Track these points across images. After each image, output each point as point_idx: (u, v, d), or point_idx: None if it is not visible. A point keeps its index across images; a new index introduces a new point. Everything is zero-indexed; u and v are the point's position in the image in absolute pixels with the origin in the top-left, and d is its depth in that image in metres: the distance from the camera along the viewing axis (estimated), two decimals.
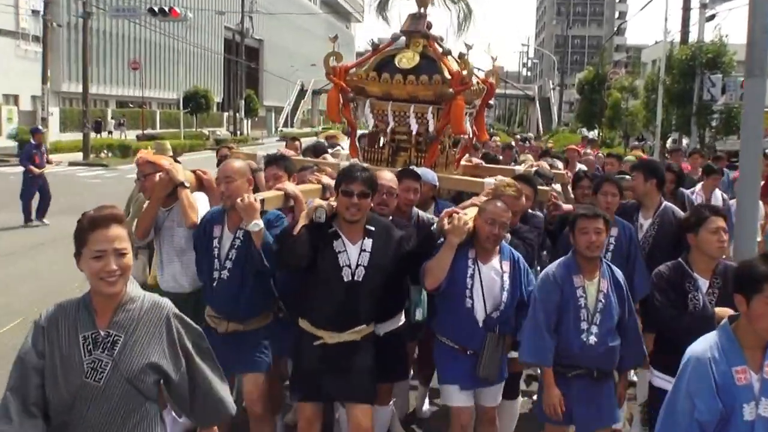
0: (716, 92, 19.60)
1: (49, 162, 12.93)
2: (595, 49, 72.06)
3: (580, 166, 7.48)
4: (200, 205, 3.93)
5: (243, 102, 47.32)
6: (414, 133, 5.12)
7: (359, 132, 5.72)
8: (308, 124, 72.89)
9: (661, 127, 21.16)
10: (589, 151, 10.18)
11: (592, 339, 3.39)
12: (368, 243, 3.38)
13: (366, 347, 3.43)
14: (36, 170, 12.20)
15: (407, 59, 5.16)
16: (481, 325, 3.50)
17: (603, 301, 3.41)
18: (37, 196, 12.38)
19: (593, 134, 32.15)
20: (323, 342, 3.36)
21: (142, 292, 2.22)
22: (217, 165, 5.27)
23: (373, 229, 3.43)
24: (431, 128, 5.04)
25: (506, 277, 3.55)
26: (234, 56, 50.39)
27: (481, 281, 3.50)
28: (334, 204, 3.42)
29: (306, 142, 9.55)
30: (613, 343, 3.44)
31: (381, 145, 5.29)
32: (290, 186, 3.88)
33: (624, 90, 31.03)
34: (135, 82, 46.82)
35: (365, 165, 3.96)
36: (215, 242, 3.56)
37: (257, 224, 3.38)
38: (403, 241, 3.51)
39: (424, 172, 4.44)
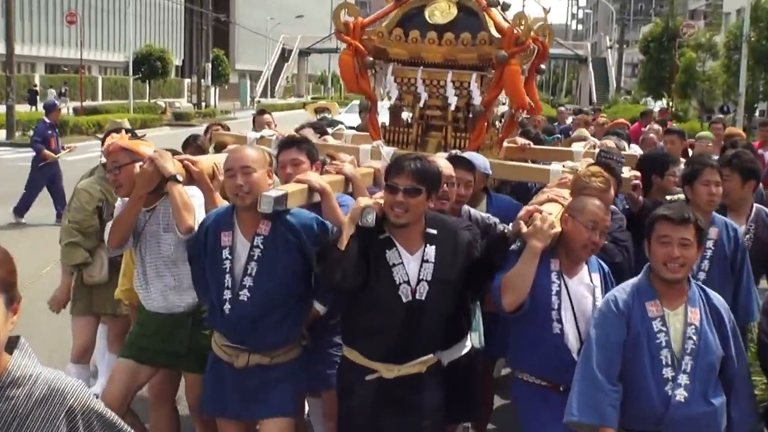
0: None
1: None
2: None
3: (635, 148, 7.38)
4: (196, 202, 3.88)
5: (209, 65, 47.40)
6: (451, 107, 5.15)
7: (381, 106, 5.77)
8: (294, 93, 73.10)
9: (746, 96, 21.06)
10: (656, 127, 10.14)
11: (680, 394, 3.10)
12: (431, 251, 3.38)
13: (432, 381, 3.46)
14: (52, 155, 12.14)
15: (441, 12, 5.20)
16: (575, 355, 3.44)
17: (695, 338, 3.15)
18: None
19: (660, 105, 32.03)
20: (379, 376, 3.38)
21: (35, 371, 1.84)
22: (216, 150, 5.25)
23: (435, 233, 3.41)
24: (476, 101, 5.07)
25: (598, 293, 3.53)
26: (198, 6, 50.42)
27: (570, 299, 3.48)
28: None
29: (294, 118, 9.50)
30: (715, 399, 3.16)
31: (407, 122, 5.32)
32: (315, 177, 3.82)
33: (700, 48, 30.89)
34: (70, 40, 47.03)
35: (419, 154, 3.96)
36: (225, 253, 3.52)
37: (267, 197, 3.31)
38: (472, 246, 3.53)
39: (473, 157, 4.48)
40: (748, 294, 4.18)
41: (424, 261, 3.35)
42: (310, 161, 4.03)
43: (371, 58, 5.24)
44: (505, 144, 5.80)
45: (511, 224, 3.60)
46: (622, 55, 56.19)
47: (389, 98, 5.38)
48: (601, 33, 79.30)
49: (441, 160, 3.97)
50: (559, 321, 3.46)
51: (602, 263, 3.67)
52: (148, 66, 41.96)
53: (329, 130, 6.31)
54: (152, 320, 3.99)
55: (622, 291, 3.30)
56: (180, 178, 3.82)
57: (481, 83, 5.12)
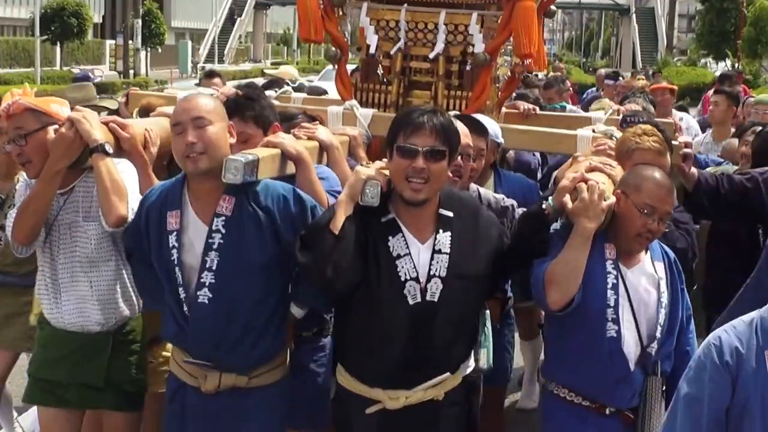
0: None
1: None
2: None
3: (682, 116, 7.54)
4: (129, 182, 3.78)
5: (139, 22, 47.21)
6: (432, 54, 5.18)
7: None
8: (248, 57, 72.99)
9: None
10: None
11: None
12: (444, 239, 3.35)
13: (454, 412, 3.44)
14: None
15: None
16: (633, 366, 3.49)
17: None
18: None
19: (724, 67, 31.99)
20: (382, 408, 3.35)
21: None
22: (142, 116, 5.21)
23: (451, 215, 3.39)
24: (478, 48, 5.08)
25: (663, 286, 3.56)
26: None
27: (628, 295, 3.50)
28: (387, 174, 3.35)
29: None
30: None
31: (382, 79, 5.35)
32: (290, 140, 3.77)
33: None
34: None
35: (432, 106, 3.91)
36: (172, 240, 3.44)
37: (235, 162, 3.27)
38: (501, 231, 3.53)
39: (482, 120, 4.49)
40: None
41: (435, 251, 3.33)
42: (262, 131, 3.97)
43: None
44: (503, 110, 5.83)
45: (550, 199, 3.52)
46: (674, 5, 56.27)
47: (366, 48, 5.36)
48: None
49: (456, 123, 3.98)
50: (616, 322, 3.48)
51: (667, 249, 3.69)
52: (60, 24, 41.62)
53: (271, 93, 6.30)
54: (59, 341, 3.90)
55: (731, 331, 2.75)
56: (109, 149, 3.69)
57: (482, 26, 5.16)
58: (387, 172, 3.34)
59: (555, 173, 5.08)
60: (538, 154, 6.32)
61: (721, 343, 2.70)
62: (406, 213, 3.33)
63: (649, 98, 8.12)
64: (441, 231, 3.35)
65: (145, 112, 5.11)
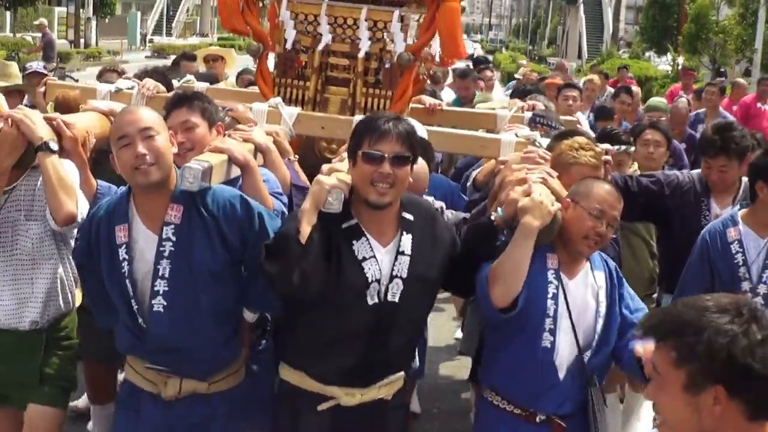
0: None
1: None
2: None
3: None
4: (75, 181, 3.68)
5: None
6: (361, 53, 5.01)
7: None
8: (195, 31, 71.58)
9: (762, 53, 21.23)
10: (684, 99, 10.31)
11: None
12: (406, 241, 3.35)
13: (398, 415, 3.50)
14: None
15: None
16: (564, 374, 3.51)
17: None
18: None
19: (667, 60, 31.84)
20: (336, 404, 3.33)
21: None
22: (58, 110, 4.90)
23: (412, 218, 3.39)
24: (399, 47, 4.93)
25: (602, 295, 3.58)
26: None
27: (568, 306, 3.50)
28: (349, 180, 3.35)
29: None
30: None
31: (300, 73, 5.17)
32: (236, 146, 3.70)
33: None
34: None
35: (388, 113, 3.92)
36: (122, 253, 3.35)
37: (193, 170, 3.23)
38: (454, 235, 3.56)
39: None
40: None
41: (399, 253, 3.34)
42: (207, 123, 3.88)
43: None
44: (410, 105, 5.69)
45: (499, 210, 3.54)
46: None
47: (285, 42, 5.15)
48: None
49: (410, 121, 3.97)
50: (552, 332, 3.49)
51: (606, 258, 3.74)
52: None
53: (175, 82, 5.90)
54: None
55: None
56: (54, 146, 3.62)
57: (403, 24, 5.03)
58: (347, 178, 3.32)
59: (473, 173, 5.08)
60: None
61: None
62: (369, 217, 3.33)
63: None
64: (404, 233, 3.37)
65: (61, 105, 4.76)
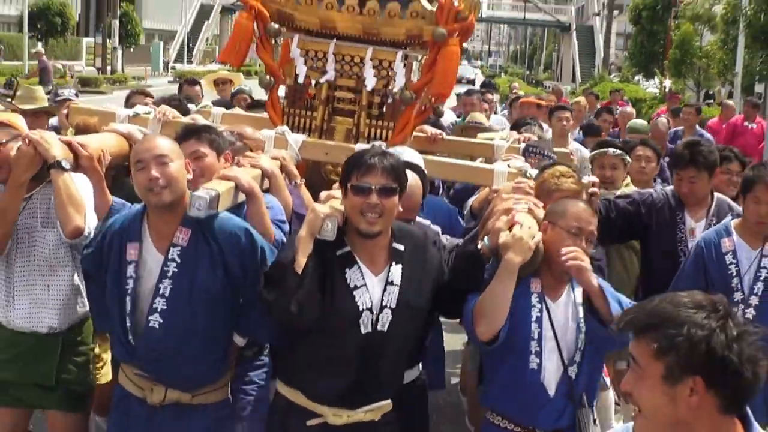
0: None
1: None
2: None
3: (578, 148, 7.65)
4: (85, 196, 3.80)
5: (117, 23, 46.42)
6: (368, 89, 5.18)
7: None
8: (214, 58, 72.05)
9: (743, 76, 21.35)
10: (664, 119, 10.82)
11: None
12: (396, 271, 3.40)
13: (390, 425, 3.47)
14: None
15: None
16: (554, 392, 3.53)
17: None
18: None
19: (654, 84, 31.69)
20: (323, 422, 3.38)
21: None
22: (78, 133, 5.07)
23: (402, 248, 3.44)
24: (399, 84, 5.13)
25: (581, 312, 3.57)
26: None
27: (553, 328, 3.53)
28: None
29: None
30: None
31: (309, 104, 5.37)
32: (243, 174, 3.75)
33: (698, 20, 30.99)
34: None
35: (381, 145, 4.06)
36: (130, 270, 3.45)
37: (201, 199, 3.29)
38: (443, 267, 3.58)
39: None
40: None
41: (388, 283, 3.39)
42: (215, 153, 3.99)
43: (276, 25, 5.20)
44: (415, 133, 5.80)
45: (486, 239, 3.56)
46: (611, 25, 56.36)
47: (296, 76, 5.31)
48: None
49: (408, 150, 4.17)
50: (538, 354, 3.52)
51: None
52: (46, 22, 40.77)
53: (192, 107, 6.16)
54: (10, 342, 3.90)
55: None
56: (66, 165, 3.75)
57: (405, 64, 5.17)
58: (341, 207, 3.40)
59: (470, 202, 5.20)
60: None
61: None
62: (361, 246, 3.39)
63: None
64: (394, 263, 3.41)
65: (81, 129, 4.99)
